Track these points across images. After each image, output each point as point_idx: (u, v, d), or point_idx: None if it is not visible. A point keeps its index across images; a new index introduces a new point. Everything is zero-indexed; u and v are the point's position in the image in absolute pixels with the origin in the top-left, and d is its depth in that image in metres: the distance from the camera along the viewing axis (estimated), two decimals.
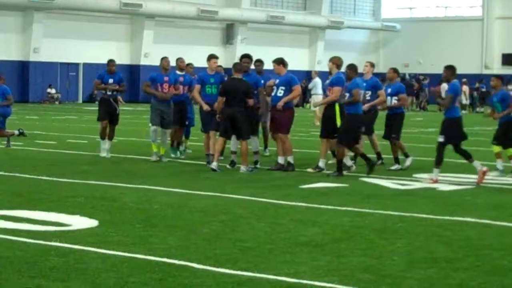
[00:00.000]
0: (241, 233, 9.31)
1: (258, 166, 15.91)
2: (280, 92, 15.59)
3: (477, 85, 50.59)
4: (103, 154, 17.65)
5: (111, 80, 17.92)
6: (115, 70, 18.42)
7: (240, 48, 53.50)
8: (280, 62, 15.83)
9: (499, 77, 16.38)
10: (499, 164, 15.58)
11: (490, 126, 33.39)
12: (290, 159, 15.60)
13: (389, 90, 16.44)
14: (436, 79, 53.10)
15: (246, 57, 16.57)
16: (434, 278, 7.33)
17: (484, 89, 50.56)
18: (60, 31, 49.93)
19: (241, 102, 15.33)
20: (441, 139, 14.32)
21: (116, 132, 18.37)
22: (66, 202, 11.34)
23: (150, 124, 17.05)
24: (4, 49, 48.21)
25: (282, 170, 15.41)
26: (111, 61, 18.55)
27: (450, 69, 14.82)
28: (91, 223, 9.76)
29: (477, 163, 14.42)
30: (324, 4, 63.37)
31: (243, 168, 15.30)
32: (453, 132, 14.30)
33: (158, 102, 16.86)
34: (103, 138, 17.85)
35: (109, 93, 17.88)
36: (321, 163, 15.46)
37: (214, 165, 15.25)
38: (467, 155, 14.50)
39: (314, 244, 8.74)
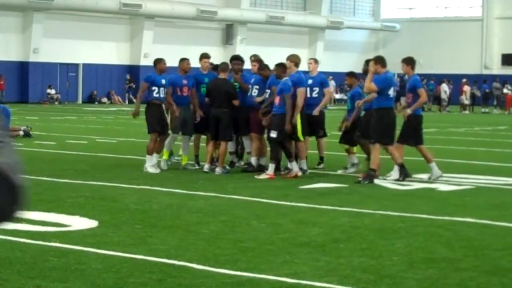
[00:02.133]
0: (241, 233, 9.31)
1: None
2: (255, 91, 15.53)
3: (467, 87, 50.42)
4: (152, 170, 15.20)
5: (163, 81, 15.63)
6: (167, 69, 16.03)
7: (239, 49, 53.52)
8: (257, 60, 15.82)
9: (352, 74, 16.10)
10: (354, 158, 15.60)
11: (490, 126, 33.44)
12: (253, 160, 15.40)
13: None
14: (437, 79, 53.18)
15: (237, 59, 16.30)
16: (433, 278, 7.33)
17: (488, 90, 50.58)
18: (59, 32, 49.96)
19: (224, 102, 15.21)
20: (273, 134, 14.62)
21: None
22: (65, 203, 11.34)
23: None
24: (3, 49, 48.23)
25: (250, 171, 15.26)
26: (160, 60, 16.11)
27: (281, 66, 14.87)
28: (91, 223, 9.76)
29: (294, 164, 14.72)
30: (323, 5, 63.42)
31: (218, 169, 15.15)
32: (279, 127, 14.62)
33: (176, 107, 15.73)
34: (150, 153, 15.42)
35: (162, 96, 15.59)
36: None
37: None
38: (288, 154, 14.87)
39: (314, 244, 8.74)
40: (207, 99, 15.48)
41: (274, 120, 14.68)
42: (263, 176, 14.55)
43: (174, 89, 15.84)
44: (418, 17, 67.73)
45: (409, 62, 15.00)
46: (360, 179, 14.11)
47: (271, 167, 14.68)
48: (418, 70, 15.66)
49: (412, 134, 14.66)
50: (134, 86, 51.77)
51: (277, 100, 14.66)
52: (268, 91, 15.25)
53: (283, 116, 14.61)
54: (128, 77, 52.66)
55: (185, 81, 15.92)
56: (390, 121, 14.35)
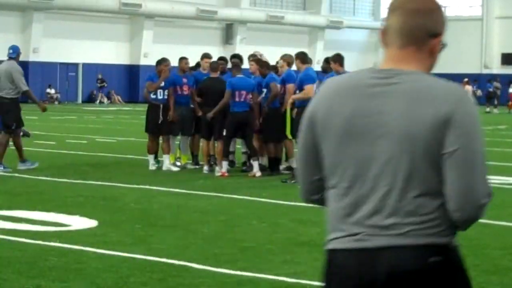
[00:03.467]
0: (241, 233, 9.31)
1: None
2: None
3: (468, 87, 50.38)
4: (153, 168, 15.58)
5: (184, 80, 15.79)
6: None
7: (239, 48, 53.49)
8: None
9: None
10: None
11: (490, 125, 33.41)
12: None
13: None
14: None
15: (222, 59, 16.64)
16: None
17: (491, 89, 50.56)
18: (59, 31, 49.95)
19: (218, 102, 15.08)
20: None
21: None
22: (65, 202, 11.34)
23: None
24: (3, 49, 48.17)
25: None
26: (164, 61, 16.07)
27: (236, 67, 15.14)
28: (91, 223, 9.76)
29: (255, 164, 14.72)
30: (323, 4, 63.40)
31: (217, 169, 15.01)
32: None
33: (177, 106, 15.62)
34: (150, 153, 15.78)
35: (160, 97, 15.59)
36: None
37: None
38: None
39: (314, 244, 8.74)
40: (199, 99, 15.42)
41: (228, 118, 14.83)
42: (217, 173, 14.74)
43: (174, 88, 15.76)
44: None
45: (298, 56, 15.00)
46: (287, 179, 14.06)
47: (224, 164, 14.74)
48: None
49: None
50: (106, 85, 52.02)
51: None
52: (265, 90, 15.25)
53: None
54: (99, 76, 52.32)
55: (185, 80, 15.89)
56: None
